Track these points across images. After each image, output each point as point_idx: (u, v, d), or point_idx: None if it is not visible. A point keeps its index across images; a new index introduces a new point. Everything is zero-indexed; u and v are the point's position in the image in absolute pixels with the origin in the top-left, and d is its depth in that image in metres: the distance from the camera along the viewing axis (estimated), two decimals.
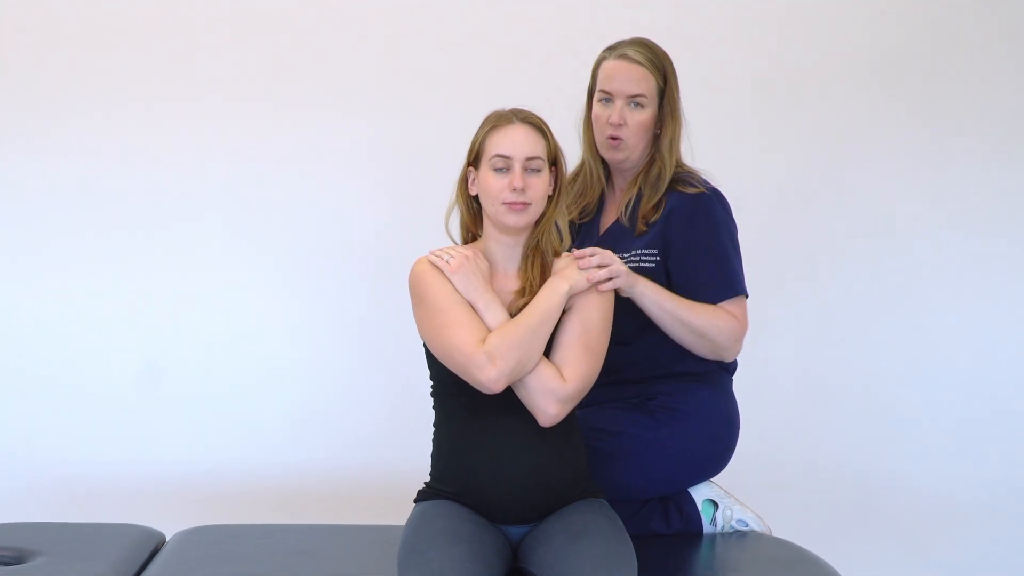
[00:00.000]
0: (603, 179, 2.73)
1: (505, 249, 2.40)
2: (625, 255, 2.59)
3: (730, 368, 2.73)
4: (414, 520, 2.32)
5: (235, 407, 3.68)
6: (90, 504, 3.44)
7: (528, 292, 2.35)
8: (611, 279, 2.38)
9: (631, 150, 2.64)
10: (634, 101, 2.61)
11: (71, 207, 3.64)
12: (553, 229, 2.40)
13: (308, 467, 3.68)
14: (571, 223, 2.64)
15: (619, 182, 2.72)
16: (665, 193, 2.61)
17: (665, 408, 2.61)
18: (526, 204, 2.33)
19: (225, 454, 3.66)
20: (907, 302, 3.77)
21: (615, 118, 2.60)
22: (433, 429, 2.41)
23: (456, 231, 2.47)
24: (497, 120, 2.37)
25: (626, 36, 2.68)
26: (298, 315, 3.73)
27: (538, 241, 2.39)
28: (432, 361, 2.37)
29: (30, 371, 3.66)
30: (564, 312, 2.34)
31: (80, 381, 3.65)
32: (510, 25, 3.68)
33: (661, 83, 2.63)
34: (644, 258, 2.59)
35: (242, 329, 3.71)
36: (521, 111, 2.38)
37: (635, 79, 2.60)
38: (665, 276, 2.59)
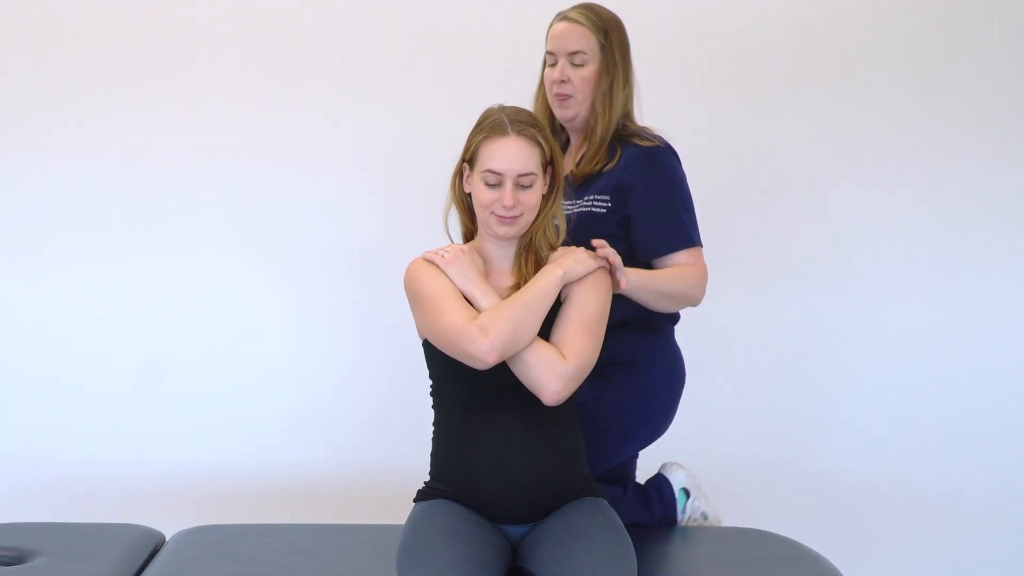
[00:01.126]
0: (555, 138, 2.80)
1: (499, 248, 2.40)
2: (578, 201, 2.66)
3: (673, 318, 2.80)
4: (414, 520, 2.32)
5: (235, 407, 3.68)
6: (90, 504, 3.44)
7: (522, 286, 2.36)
8: (614, 271, 2.42)
9: (579, 106, 2.72)
10: (575, 59, 2.70)
11: (71, 207, 3.65)
12: (550, 225, 2.40)
13: (308, 467, 3.68)
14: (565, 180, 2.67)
15: (573, 139, 2.81)
16: (620, 144, 2.70)
17: (617, 364, 2.64)
18: (516, 217, 2.33)
19: (225, 454, 3.66)
20: (907, 301, 3.77)
21: (557, 75, 2.70)
22: (432, 429, 2.41)
23: (455, 228, 2.48)
24: (491, 129, 2.33)
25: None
26: (297, 315, 3.73)
27: (531, 239, 2.39)
28: (431, 360, 2.37)
29: (30, 371, 3.66)
30: (561, 301, 2.35)
31: (80, 381, 3.65)
32: (509, 25, 3.67)
33: (602, 40, 2.71)
34: (596, 204, 2.66)
35: (242, 329, 3.71)
36: (517, 119, 2.34)
37: (574, 37, 2.70)
38: (615, 222, 2.65)
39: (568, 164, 2.77)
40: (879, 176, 3.75)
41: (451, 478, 2.33)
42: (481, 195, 2.33)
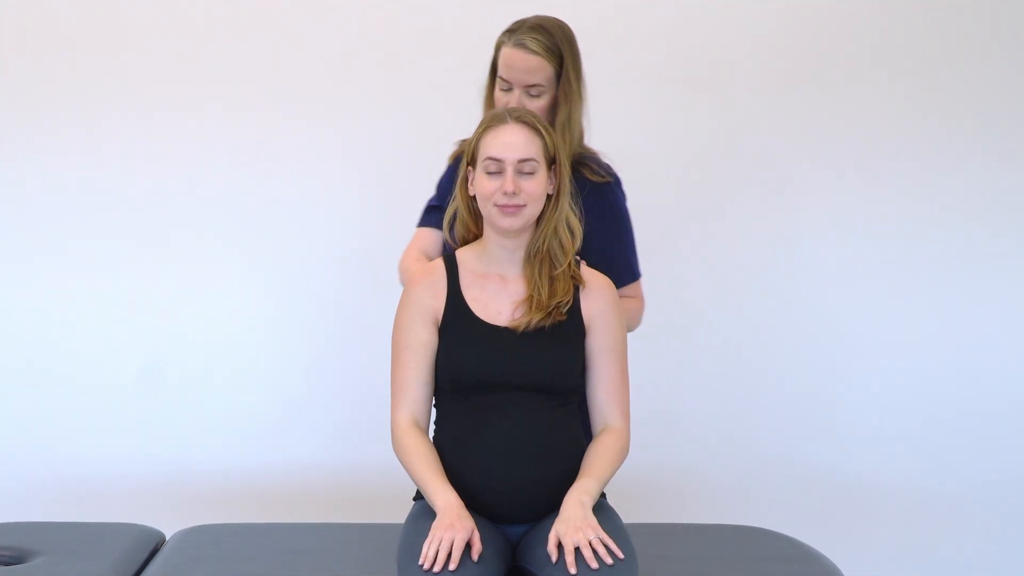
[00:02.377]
0: None
1: (505, 251, 2.38)
2: None
3: None
4: (413, 519, 2.32)
5: (235, 407, 3.68)
6: (90, 504, 3.44)
7: (535, 304, 2.32)
8: None
9: None
10: (531, 91, 2.63)
11: (71, 208, 3.64)
12: (563, 228, 2.37)
13: (308, 466, 3.68)
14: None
15: None
16: (572, 178, 2.62)
17: None
18: (519, 207, 2.31)
19: (225, 454, 3.66)
20: (908, 301, 3.77)
21: (515, 105, 2.62)
22: (434, 428, 2.41)
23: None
24: (491, 120, 2.35)
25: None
26: (298, 315, 3.73)
27: (539, 245, 2.37)
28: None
29: (30, 371, 3.66)
30: (591, 331, 2.36)
31: (80, 381, 3.65)
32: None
33: (557, 67, 2.66)
34: None
35: (242, 329, 3.71)
36: (517, 110, 2.36)
37: (531, 69, 2.62)
38: None
39: None
40: (880, 176, 3.75)
41: (452, 478, 2.31)
42: (483, 186, 2.32)
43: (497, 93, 2.68)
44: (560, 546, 2.16)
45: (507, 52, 2.65)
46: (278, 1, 3.69)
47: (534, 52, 2.62)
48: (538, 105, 2.63)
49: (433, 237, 2.76)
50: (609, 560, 2.12)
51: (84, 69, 3.62)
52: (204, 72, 3.64)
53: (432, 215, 2.76)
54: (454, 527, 2.15)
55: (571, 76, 2.66)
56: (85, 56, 3.62)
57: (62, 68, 3.62)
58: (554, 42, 2.65)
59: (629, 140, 3.66)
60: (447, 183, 2.71)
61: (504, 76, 2.65)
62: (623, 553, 2.17)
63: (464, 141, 2.68)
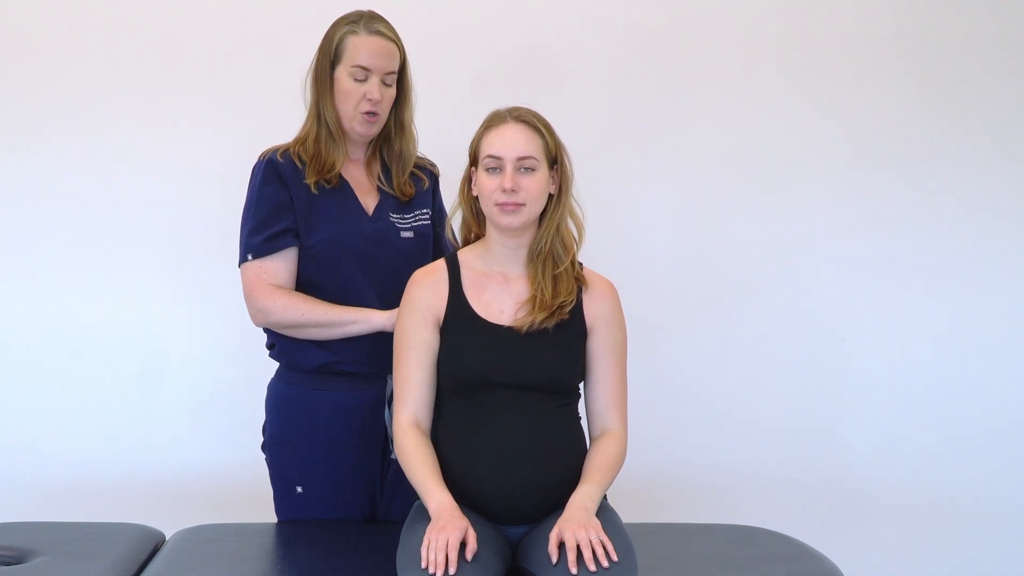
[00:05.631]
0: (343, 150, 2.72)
1: (507, 251, 2.39)
2: (407, 216, 2.69)
3: None
4: (413, 519, 2.32)
5: (235, 406, 3.67)
6: (90, 504, 3.44)
7: (538, 304, 2.33)
8: None
9: (381, 125, 2.68)
10: (387, 79, 2.64)
11: (71, 208, 3.64)
12: (565, 227, 2.38)
13: None
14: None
15: (352, 153, 2.73)
16: (417, 166, 2.75)
17: None
18: (518, 205, 2.31)
19: (225, 454, 3.65)
20: (908, 302, 3.77)
21: (375, 94, 2.61)
22: (433, 428, 2.40)
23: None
24: (492, 119, 2.36)
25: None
26: None
27: (542, 245, 2.37)
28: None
29: (30, 371, 3.66)
30: (593, 333, 2.37)
31: (80, 381, 3.65)
32: (507, 27, 3.67)
33: (403, 59, 2.68)
34: (420, 218, 2.71)
35: (242, 328, 3.69)
36: (518, 109, 2.36)
37: (391, 54, 2.63)
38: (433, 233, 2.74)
39: (364, 183, 2.72)
40: (881, 176, 3.75)
41: (453, 480, 2.32)
42: (483, 185, 2.33)
43: (349, 85, 2.62)
44: (561, 545, 2.16)
45: (363, 40, 2.62)
46: (278, 4, 3.68)
47: (392, 40, 2.64)
48: (390, 94, 2.65)
49: (288, 268, 2.70)
50: (605, 563, 2.12)
51: (85, 70, 3.62)
52: (203, 74, 3.63)
53: (282, 239, 2.69)
54: (446, 529, 2.15)
55: (409, 72, 2.71)
56: (86, 57, 3.62)
57: (64, 69, 3.62)
58: (396, 34, 2.67)
59: (628, 138, 3.68)
60: (274, 196, 2.72)
61: (364, 64, 2.60)
62: (623, 553, 2.17)
63: (271, 150, 2.76)
